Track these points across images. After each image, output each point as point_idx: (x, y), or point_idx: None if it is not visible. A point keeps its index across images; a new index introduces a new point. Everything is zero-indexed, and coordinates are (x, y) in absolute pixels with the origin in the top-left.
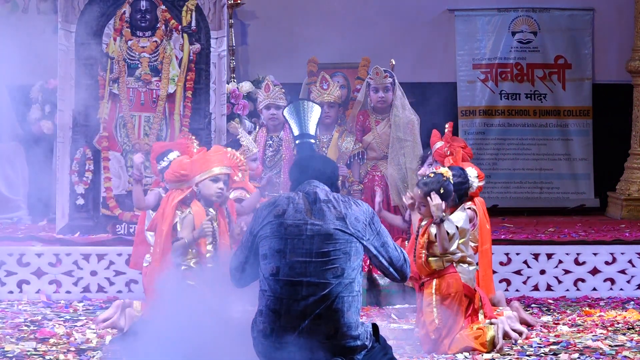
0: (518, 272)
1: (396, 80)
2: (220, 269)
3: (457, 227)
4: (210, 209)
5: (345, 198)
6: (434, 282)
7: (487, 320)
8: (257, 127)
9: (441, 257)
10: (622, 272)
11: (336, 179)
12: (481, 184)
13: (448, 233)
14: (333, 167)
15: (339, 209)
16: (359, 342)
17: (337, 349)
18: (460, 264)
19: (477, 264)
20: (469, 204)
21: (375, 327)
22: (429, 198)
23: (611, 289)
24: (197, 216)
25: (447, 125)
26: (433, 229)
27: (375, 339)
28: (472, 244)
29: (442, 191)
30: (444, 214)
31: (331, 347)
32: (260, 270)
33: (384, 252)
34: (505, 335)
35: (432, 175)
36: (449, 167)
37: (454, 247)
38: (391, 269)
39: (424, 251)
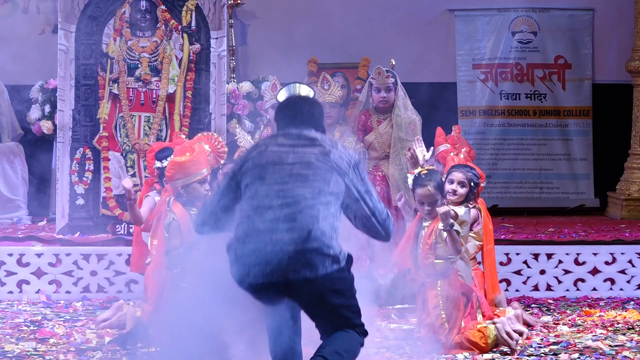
0: (518, 272)
1: (398, 80)
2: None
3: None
4: (193, 209)
5: (333, 140)
6: (439, 283)
7: (489, 321)
8: (262, 126)
9: (448, 259)
10: (622, 272)
11: (322, 121)
12: (482, 184)
13: (458, 233)
14: (320, 109)
15: (324, 145)
16: (331, 252)
17: (309, 252)
18: (459, 261)
19: (479, 263)
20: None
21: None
22: (438, 209)
23: (611, 289)
24: (182, 220)
25: (454, 128)
26: (444, 234)
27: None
28: (478, 243)
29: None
30: (452, 220)
31: (303, 250)
32: (239, 207)
33: (368, 200)
34: (507, 336)
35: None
36: (458, 165)
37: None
38: (374, 221)
39: (431, 252)
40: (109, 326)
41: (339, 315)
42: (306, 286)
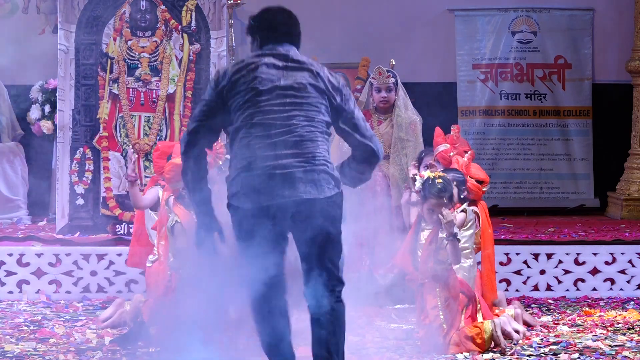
0: (518, 272)
1: (399, 80)
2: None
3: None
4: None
5: (317, 62)
6: (437, 284)
7: (488, 320)
8: None
9: (448, 263)
10: (622, 272)
11: (300, 35)
12: (485, 189)
13: (459, 240)
14: (297, 21)
15: (313, 69)
16: (335, 174)
17: (317, 172)
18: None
19: (478, 264)
20: (472, 207)
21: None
22: (440, 216)
23: (611, 289)
24: (185, 221)
25: (454, 127)
26: (446, 242)
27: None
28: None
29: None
30: (457, 229)
31: (312, 171)
32: (235, 134)
33: (357, 120)
34: (506, 335)
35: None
36: (447, 169)
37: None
38: (365, 140)
39: (431, 257)
40: (110, 325)
41: (327, 251)
42: (312, 207)
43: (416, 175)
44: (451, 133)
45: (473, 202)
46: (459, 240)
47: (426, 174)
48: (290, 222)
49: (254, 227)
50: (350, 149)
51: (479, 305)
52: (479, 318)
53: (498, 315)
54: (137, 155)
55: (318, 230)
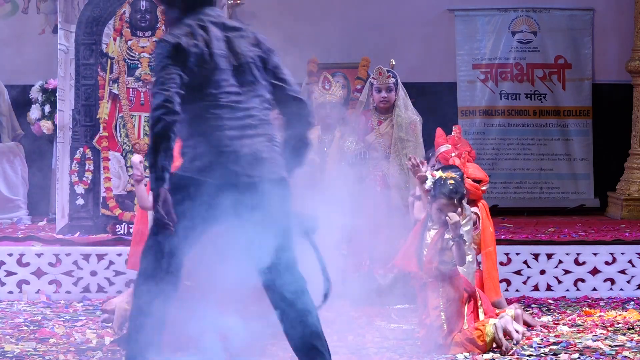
0: (518, 272)
1: (399, 80)
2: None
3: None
4: None
5: (245, 24)
6: (440, 284)
7: (489, 320)
8: None
9: (452, 264)
10: (622, 272)
11: None
12: (484, 187)
13: (465, 242)
14: None
15: (249, 35)
16: (282, 159)
17: (277, 154)
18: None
19: (479, 264)
20: (473, 208)
21: None
22: (447, 218)
23: (611, 289)
24: None
25: (455, 128)
26: (452, 243)
27: None
28: (474, 246)
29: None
30: (463, 230)
31: (272, 151)
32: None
33: (285, 70)
34: (507, 335)
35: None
36: (445, 167)
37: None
38: (293, 92)
39: (436, 257)
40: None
41: (287, 230)
42: (275, 186)
43: (427, 173)
44: (453, 134)
45: (473, 203)
46: (465, 242)
47: (438, 173)
48: (255, 201)
49: (218, 202)
50: (293, 123)
51: (479, 302)
52: (481, 315)
53: (498, 315)
54: (140, 157)
55: (280, 210)
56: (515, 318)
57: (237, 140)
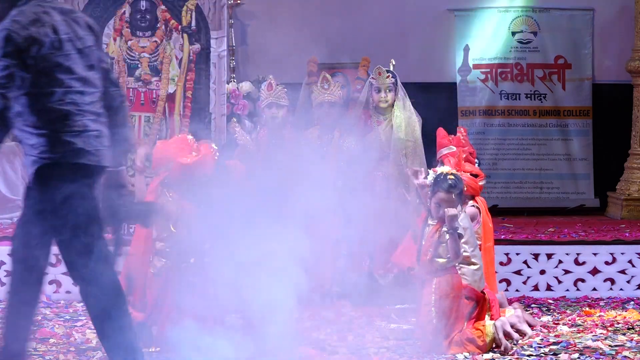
0: (518, 272)
1: (398, 81)
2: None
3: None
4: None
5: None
6: (435, 280)
7: (490, 321)
8: (258, 127)
9: (448, 259)
10: (622, 272)
11: None
12: (482, 183)
13: (460, 237)
14: None
15: (80, 16)
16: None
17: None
18: (465, 266)
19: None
20: (472, 202)
21: None
22: (445, 210)
23: (611, 289)
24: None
25: (459, 129)
26: (447, 235)
27: None
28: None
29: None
30: (459, 224)
31: (107, 142)
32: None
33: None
34: (507, 336)
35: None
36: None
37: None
38: (115, 88)
39: (431, 250)
40: None
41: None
42: (111, 175)
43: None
44: (457, 134)
45: (472, 198)
46: (460, 236)
47: (439, 169)
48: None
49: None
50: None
51: (488, 305)
52: (487, 318)
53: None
54: (144, 152)
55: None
56: (517, 318)
57: (92, 124)
